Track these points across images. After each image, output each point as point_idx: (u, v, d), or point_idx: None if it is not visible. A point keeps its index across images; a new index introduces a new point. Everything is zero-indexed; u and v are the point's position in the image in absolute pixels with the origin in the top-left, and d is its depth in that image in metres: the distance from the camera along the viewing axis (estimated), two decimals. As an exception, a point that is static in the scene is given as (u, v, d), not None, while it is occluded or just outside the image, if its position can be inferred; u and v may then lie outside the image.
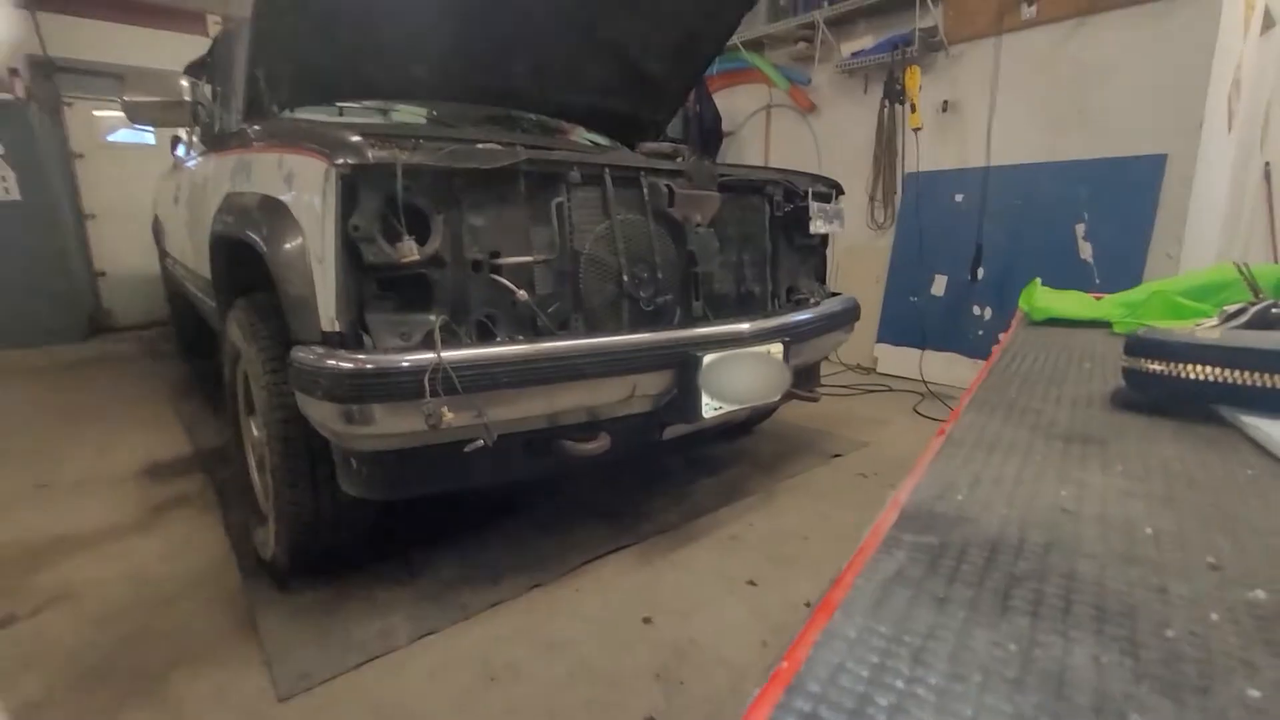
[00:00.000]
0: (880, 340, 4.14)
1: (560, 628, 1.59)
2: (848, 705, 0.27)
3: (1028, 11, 3.34)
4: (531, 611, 1.66)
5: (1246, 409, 0.61)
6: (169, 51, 5.00)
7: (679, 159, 1.90)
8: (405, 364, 1.30)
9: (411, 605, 1.67)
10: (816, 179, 2.30)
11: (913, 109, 3.70)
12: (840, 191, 2.40)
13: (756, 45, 4.60)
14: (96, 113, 5.53)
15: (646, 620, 1.62)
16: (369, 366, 1.29)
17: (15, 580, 1.80)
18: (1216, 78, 2.95)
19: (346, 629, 1.57)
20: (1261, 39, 3.90)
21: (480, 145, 1.45)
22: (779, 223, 2.16)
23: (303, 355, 1.36)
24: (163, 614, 1.64)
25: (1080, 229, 3.24)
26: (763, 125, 4.84)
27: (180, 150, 3.54)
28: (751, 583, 1.79)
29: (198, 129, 2.76)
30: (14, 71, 4.91)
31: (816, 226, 2.22)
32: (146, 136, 5.59)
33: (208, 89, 2.72)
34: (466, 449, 1.42)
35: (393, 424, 1.33)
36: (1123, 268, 3.08)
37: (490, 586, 1.75)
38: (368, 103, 2.46)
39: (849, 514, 2.20)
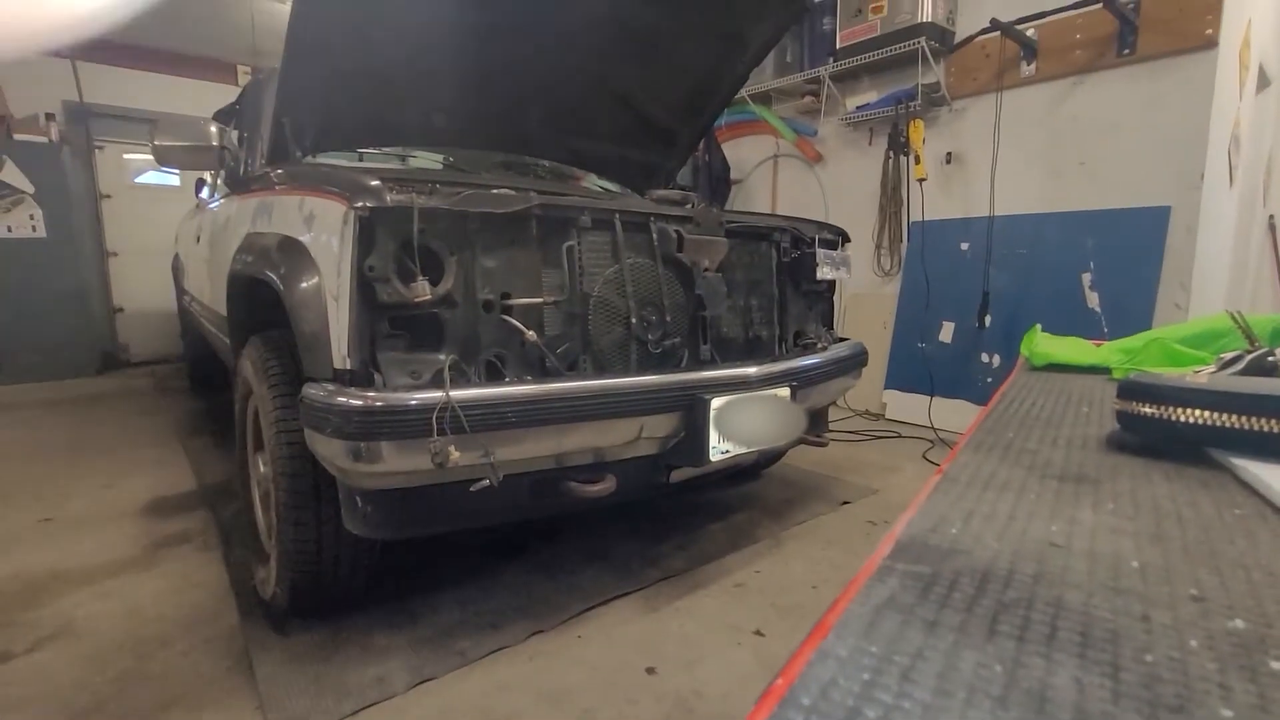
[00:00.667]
0: (889, 386, 4.14)
1: (562, 676, 1.56)
2: (838, 717, 0.28)
3: (1027, 70, 3.44)
4: (533, 659, 1.62)
5: (1237, 451, 0.62)
6: (199, 99, 5.23)
7: (688, 205, 1.95)
8: (414, 402, 1.32)
9: (409, 650, 1.64)
10: (823, 226, 2.34)
11: (917, 160, 3.78)
12: (846, 239, 2.44)
13: (764, 98, 4.74)
14: (126, 155, 5.75)
15: (650, 670, 1.58)
16: (378, 404, 1.31)
17: (13, 616, 1.79)
18: (1215, 133, 3.01)
19: (343, 674, 1.54)
20: (1258, 97, 3.99)
21: (494, 190, 1.49)
22: (786, 268, 2.20)
23: (314, 392, 1.38)
24: (159, 653, 1.62)
25: (1086, 278, 3.27)
26: (770, 174, 4.94)
27: (204, 192, 3.65)
28: (759, 633, 1.75)
29: (223, 172, 2.85)
30: (50, 116, 5.12)
31: (824, 273, 2.25)
32: (171, 179, 5.80)
33: (234, 134, 2.82)
34: (472, 489, 1.42)
35: (400, 462, 1.34)
36: (1130, 317, 3.09)
37: (490, 632, 1.72)
38: (387, 149, 2.55)
39: (858, 562, 2.16)
